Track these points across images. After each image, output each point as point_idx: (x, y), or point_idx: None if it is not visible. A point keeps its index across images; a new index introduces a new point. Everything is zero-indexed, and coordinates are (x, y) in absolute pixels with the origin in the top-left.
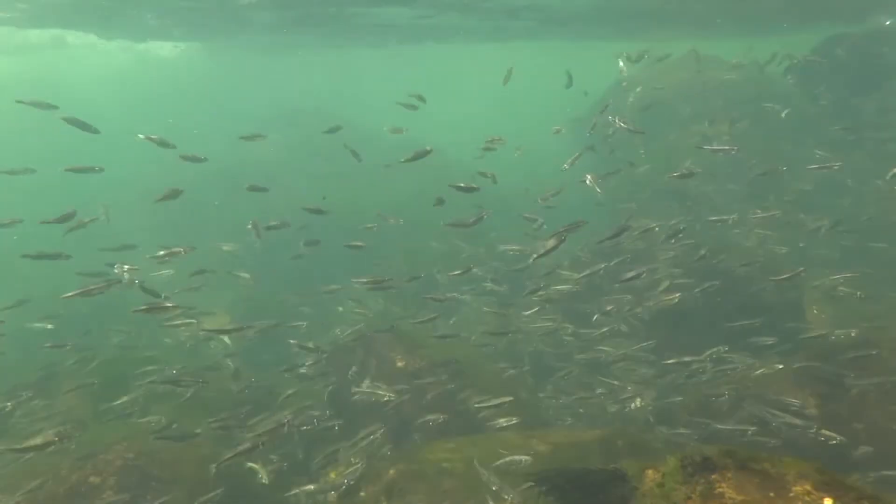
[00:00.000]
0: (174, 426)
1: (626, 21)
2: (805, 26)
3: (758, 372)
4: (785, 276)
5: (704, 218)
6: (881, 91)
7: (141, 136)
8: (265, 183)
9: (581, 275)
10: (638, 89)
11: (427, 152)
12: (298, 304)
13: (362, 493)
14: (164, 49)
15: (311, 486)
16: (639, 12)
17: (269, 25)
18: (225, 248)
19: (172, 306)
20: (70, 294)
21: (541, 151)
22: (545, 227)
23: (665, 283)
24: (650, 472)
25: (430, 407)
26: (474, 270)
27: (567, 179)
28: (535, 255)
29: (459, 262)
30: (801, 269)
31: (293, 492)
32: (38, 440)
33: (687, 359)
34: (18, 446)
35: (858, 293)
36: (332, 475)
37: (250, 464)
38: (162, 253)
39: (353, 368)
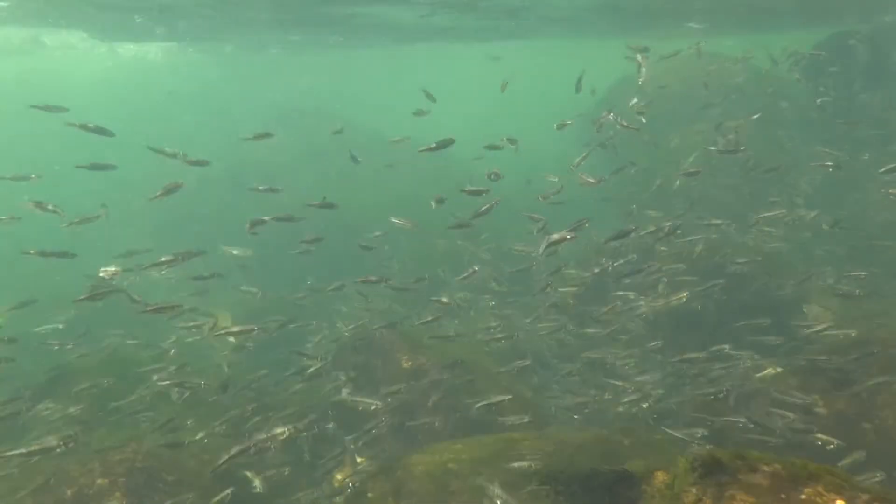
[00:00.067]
0: (172, 424)
1: (630, 18)
2: (810, 24)
3: (764, 371)
4: (793, 277)
5: (708, 216)
6: (886, 89)
7: (150, 147)
8: (266, 184)
9: (587, 274)
10: (644, 87)
11: (451, 141)
12: (302, 304)
13: (370, 495)
14: (150, 51)
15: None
16: (642, 9)
17: (267, 25)
18: (234, 252)
19: (177, 306)
20: (81, 297)
21: (543, 150)
22: (548, 226)
23: (664, 283)
24: (659, 473)
25: (436, 407)
26: (479, 270)
27: (570, 176)
28: (541, 248)
29: (464, 261)
30: (812, 270)
31: (299, 494)
32: (43, 443)
33: (692, 357)
34: (24, 450)
35: (858, 291)
36: (338, 477)
37: (245, 472)
38: (163, 259)
39: (343, 377)
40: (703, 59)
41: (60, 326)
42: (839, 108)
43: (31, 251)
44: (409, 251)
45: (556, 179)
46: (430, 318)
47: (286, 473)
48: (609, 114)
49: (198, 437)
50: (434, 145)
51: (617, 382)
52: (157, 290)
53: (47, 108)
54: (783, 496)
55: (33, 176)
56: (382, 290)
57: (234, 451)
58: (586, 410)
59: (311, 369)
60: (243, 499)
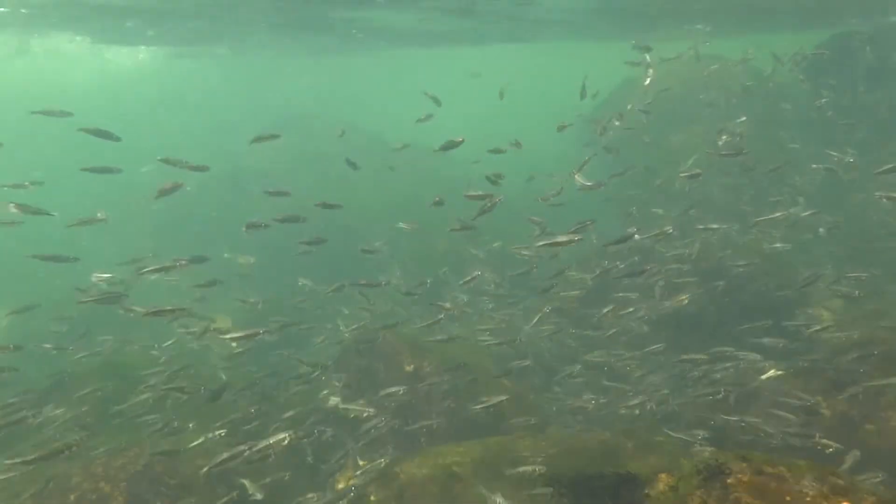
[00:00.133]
0: (173, 428)
1: (630, 20)
2: (811, 26)
3: (767, 373)
4: (794, 278)
5: (708, 218)
6: (888, 90)
7: (158, 159)
8: (266, 186)
9: (589, 276)
10: (648, 87)
11: (459, 142)
12: (302, 307)
13: (372, 498)
14: (139, 55)
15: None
16: (642, 11)
17: (265, 29)
18: (240, 260)
19: (176, 310)
20: (84, 300)
21: (543, 150)
22: (548, 229)
23: (662, 285)
24: (663, 475)
25: (438, 410)
26: (480, 274)
27: (570, 177)
28: (541, 243)
29: (465, 261)
30: (813, 271)
31: (301, 499)
32: (45, 450)
33: (695, 358)
34: (28, 457)
35: (857, 292)
36: (341, 481)
37: (243, 480)
38: (166, 265)
39: (339, 382)
40: (703, 60)
41: (64, 329)
42: (841, 109)
43: (35, 255)
44: (409, 252)
45: (558, 180)
46: (431, 321)
47: (286, 478)
48: (615, 120)
49: (196, 443)
50: (445, 144)
51: (619, 385)
52: (157, 294)
53: (48, 113)
54: (788, 498)
55: (27, 183)
56: (384, 293)
57: (222, 457)
58: (588, 412)
59: (313, 374)
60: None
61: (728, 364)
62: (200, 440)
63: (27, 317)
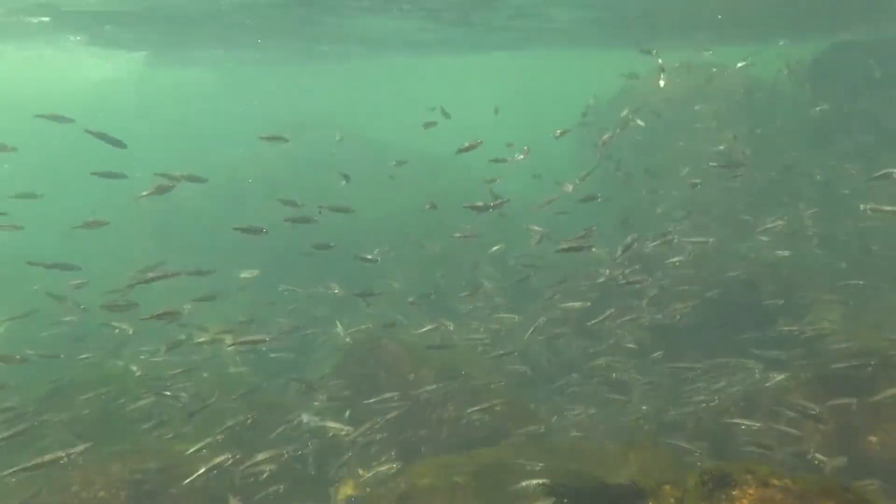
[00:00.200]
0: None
1: (630, 29)
2: (810, 35)
3: (769, 383)
4: (795, 287)
5: (708, 226)
6: (887, 99)
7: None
8: (267, 195)
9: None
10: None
11: (478, 144)
12: (296, 310)
13: None
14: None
15: None
16: (640, 20)
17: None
18: (244, 275)
19: (175, 312)
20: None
21: (544, 151)
22: (548, 238)
23: (654, 292)
24: (667, 487)
25: (440, 420)
26: (483, 286)
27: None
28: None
29: (465, 268)
30: (814, 281)
31: None
32: (45, 457)
33: (696, 367)
34: (26, 465)
35: (851, 302)
36: (342, 491)
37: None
38: (169, 273)
39: (319, 402)
40: (703, 68)
41: (65, 331)
42: (841, 118)
43: (38, 262)
44: (411, 258)
45: (566, 186)
46: (430, 327)
47: (282, 491)
48: (620, 131)
49: (193, 450)
50: (465, 146)
51: (622, 394)
52: (158, 299)
53: (53, 118)
54: None
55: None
56: (386, 301)
57: (212, 463)
58: (590, 422)
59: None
60: None
61: (732, 374)
62: (198, 447)
63: (26, 322)
